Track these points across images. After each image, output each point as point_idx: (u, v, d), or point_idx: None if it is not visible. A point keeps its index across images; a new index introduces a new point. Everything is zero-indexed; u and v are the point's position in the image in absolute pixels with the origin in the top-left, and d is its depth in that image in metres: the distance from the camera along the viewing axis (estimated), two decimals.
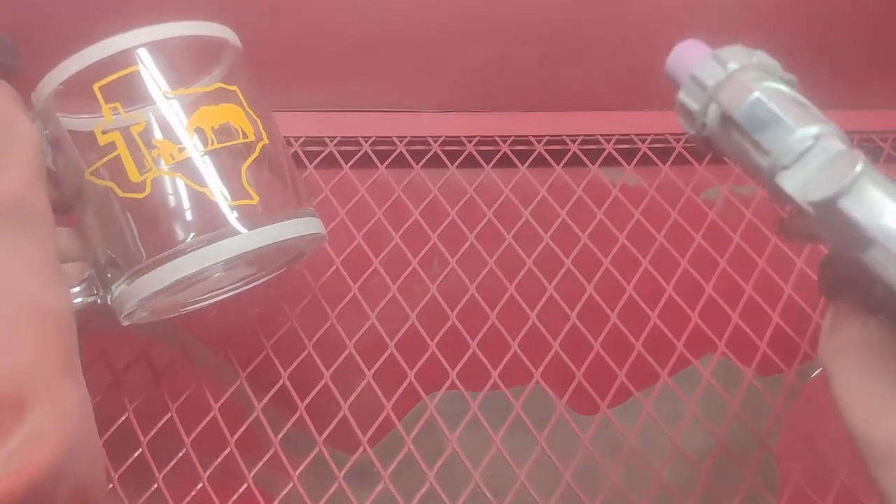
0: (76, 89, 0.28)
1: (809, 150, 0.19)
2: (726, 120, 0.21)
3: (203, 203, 0.27)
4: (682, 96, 0.22)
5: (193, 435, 0.37)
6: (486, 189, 0.46)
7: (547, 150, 0.48)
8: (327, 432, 0.37)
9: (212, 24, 0.30)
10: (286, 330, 0.40)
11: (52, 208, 0.27)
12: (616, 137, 0.49)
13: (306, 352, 0.39)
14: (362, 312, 0.41)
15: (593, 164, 0.47)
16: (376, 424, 0.38)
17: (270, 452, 0.37)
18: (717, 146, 0.22)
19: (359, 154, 0.46)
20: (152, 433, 0.37)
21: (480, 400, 0.39)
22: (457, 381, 0.39)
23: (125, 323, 0.29)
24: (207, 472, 0.37)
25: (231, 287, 0.32)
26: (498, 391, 0.39)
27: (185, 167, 0.28)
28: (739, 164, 0.21)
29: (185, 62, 0.29)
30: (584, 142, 0.48)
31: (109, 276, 0.28)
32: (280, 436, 0.37)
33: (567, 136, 0.48)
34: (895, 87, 0.50)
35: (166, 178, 0.27)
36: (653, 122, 0.49)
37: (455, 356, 0.39)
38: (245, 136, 0.29)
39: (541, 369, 0.39)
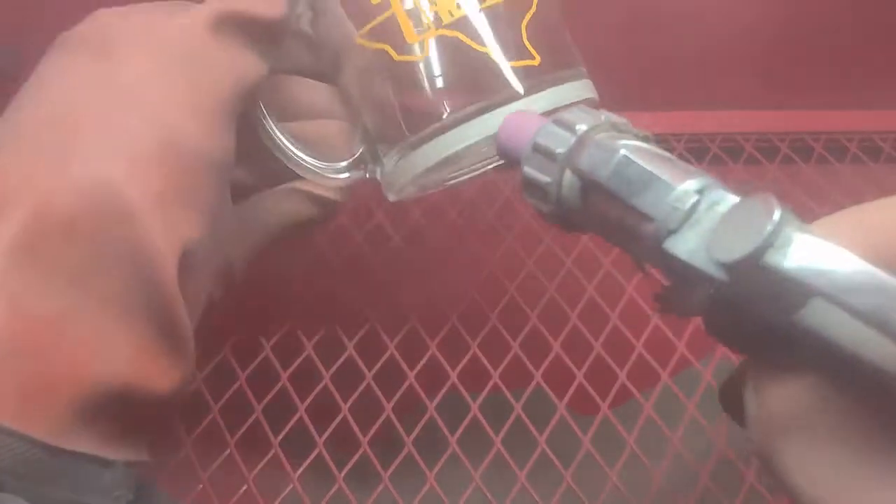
0: None
1: (697, 206, 0.16)
2: (589, 187, 0.18)
3: (484, 65, 0.25)
4: (528, 170, 0.19)
5: (193, 435, 0.37)
6: (486, 190, 0.46)
7: None
8: (328, 433, 0.37)
9: None
10: (286, 330, 0.40)
11: (305, 73, 0.26)
12: None
13: (306, 352, 0.39)
14: (362, 313, 0.41)
15: None
16: (376, 425, 0.38)
17: (271, 454, 0.37)
18: (581, 221, 0.19)
19: None
20: None
21: (481, 401, 0.39)
22: (457, 383, 0.39)
23: (392, 198, 0.27)
24: (207, 473, 0.37)
25: (491, 161, 0.29)
26: (498, 392, 0.39)
27: (464, 25, 0.24)
28: (614, 238, 0.18)
29: None
30: None
31: (378, 149, 0.26)
32: (280, 436, 0.37)
33: None
34: (895, 87, 0.50)
35: (447, 38, 0.24)
36: (653, 123, 0.49)
37: (455, 357, 0.39)
38: None
39: (541, 370, 0.39)
